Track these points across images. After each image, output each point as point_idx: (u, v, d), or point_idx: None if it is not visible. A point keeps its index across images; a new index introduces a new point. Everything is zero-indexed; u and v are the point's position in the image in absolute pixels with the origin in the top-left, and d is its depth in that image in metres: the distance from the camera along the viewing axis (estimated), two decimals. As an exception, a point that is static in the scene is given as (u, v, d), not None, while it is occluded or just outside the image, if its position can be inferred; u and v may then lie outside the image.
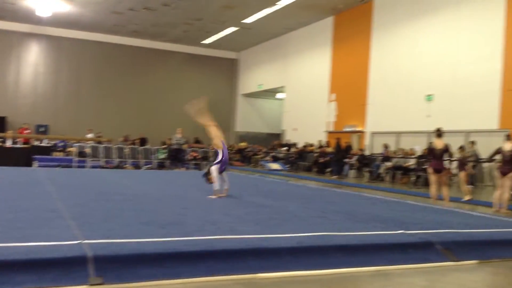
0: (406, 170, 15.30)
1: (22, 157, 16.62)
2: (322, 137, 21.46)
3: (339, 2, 20.06)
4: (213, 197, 7.83)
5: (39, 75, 26.12)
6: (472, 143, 13.41)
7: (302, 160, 20.44)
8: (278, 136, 26.65)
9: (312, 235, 4.68)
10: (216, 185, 7.89)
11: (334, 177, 16.64)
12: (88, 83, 26.79)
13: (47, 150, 18.50)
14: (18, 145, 18.04)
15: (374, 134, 19.15)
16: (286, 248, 4.21)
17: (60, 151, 19.54)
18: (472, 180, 12.44)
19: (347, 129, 20.36)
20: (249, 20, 22.55)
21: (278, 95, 28.35)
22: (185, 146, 19.24)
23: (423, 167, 13.69)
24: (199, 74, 29.04)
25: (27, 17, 23.49)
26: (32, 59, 26.13)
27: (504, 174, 8.84)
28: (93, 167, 17.12)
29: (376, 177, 15.88)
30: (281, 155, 22.21)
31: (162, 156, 18.84)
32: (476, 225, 6.19)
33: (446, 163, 10.10)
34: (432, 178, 9.42)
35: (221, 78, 30.08)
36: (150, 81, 27.87)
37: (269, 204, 7.39)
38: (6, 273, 3.24)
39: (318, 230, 4.94)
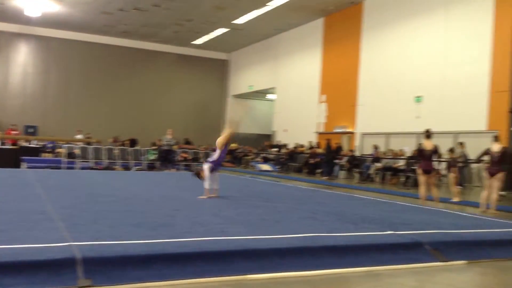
0: (395, 171, 15.38)
1: (11, 158, 16.45)
2: (313, 138, 21.52)
3: (330, 4, 20.14)
4: (204, 197, 7.83)
5: (28, 76, 25.91)
6: (461, 144, 13.53)
7: (292, 161, 20.44)
8: (268, 137, 26.64)
9: (302, 236, 4.69)
10: (207, 183, 7.90)
11: (325, 178, 16.69)
12: (78, 84, 26.61)
13: (36, 151, 18.37)
14: (6, 146, 17.88)
15: (364, 135, 19.24)
16: (275, 249, 4.21)
17: (49, 152, 19.42)
18: (461, 181, 12.54)
19: (338, 130, 20.44)
20: (239, 21, 22.55)
21: (269, 96, 28.36)
22: (175, 147, 19.18)
23: (413, 168, 13.76)
24: (189, 75, 28.98)
25: (16, 17, 23.28)
26: (21, 60, 25.90)
27: (492, 175, 8.94)
28: (83, 168, 17.01)
29: (366, 178, 15.94)
30: (271, 156, 22.22)
31: (152, 157, 18.78)
32: (465, 225, 6.24)
33: (435, 164, 10.17)
34: (421, 179, 9.50)
35: (211, 79, 30.01)
36: (140, 82, 27.74)
37: (259, 205, 7.39)
38: (-6, 275, 3.21)
39: (308, 231, 4.95)
